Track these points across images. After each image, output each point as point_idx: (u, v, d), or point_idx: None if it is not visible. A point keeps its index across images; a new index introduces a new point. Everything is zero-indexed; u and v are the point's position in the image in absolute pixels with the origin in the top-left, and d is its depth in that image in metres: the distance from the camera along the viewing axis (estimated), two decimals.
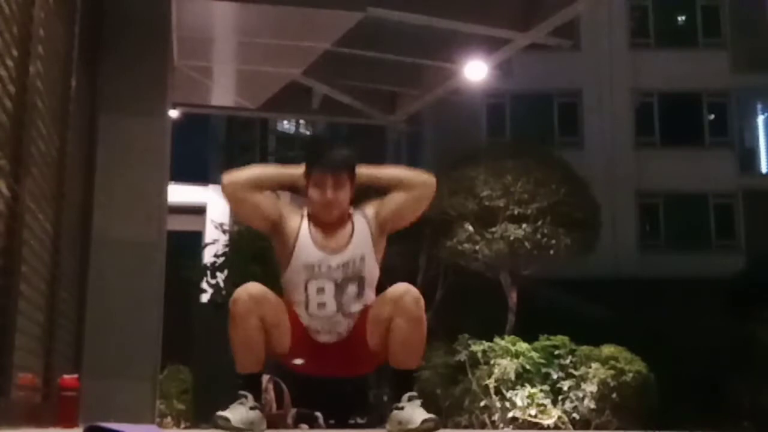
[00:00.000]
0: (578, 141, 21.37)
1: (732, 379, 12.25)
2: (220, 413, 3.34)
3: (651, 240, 21.53)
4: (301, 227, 3.46)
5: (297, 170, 3.50)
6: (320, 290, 3.41)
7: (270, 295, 3.43)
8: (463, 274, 12.32)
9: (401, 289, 3.38)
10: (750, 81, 21.38)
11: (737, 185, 21.44)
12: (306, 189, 3.46)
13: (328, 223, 3.46)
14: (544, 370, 10.22)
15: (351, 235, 3.46)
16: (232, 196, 3.49)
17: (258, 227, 3.63)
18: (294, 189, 3.55)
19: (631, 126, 21.78)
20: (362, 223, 3.49)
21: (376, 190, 3.59)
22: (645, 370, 10.22)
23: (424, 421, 3.33)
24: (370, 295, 3.49)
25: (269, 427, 3.62)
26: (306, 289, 3.42)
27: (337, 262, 3.42)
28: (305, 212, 3.50)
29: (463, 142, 16.20)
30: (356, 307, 3.45)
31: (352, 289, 3.43)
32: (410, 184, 3.51)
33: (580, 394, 9.98)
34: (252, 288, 3.41)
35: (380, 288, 3.53)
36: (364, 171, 3.51)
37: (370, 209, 3.53)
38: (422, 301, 3.38)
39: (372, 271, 3.49)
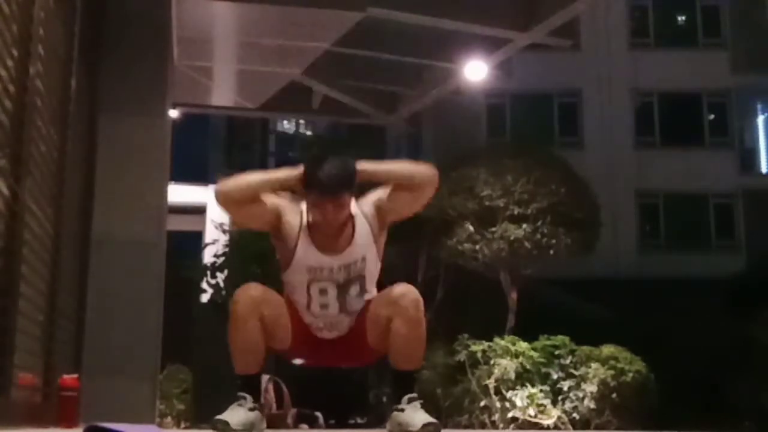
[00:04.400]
0: (578, 141, 21.35)
1: (732, 379, 12.24)
2: (219, 417, 3.32)
3: (651, 240, 21.52)
4: (301, 231, 3.41)
5: (292, 174, 3.38)
6: (323, 292, 3.41)
7: (270, 295, 3.43)
8: (463, 274, 12.31)
9: (400, 290, 3.37)
10: (750, 81, 21.36)
11: (737, 185, 21.42)
12: (303, 195, 3.38)
13: (328, 231, 3.41)
14: (544, 370, 10.21)
15: (352, 236, 3.42)
16: (227, 208, 3.46)
17: (257, 230, 3.64)
18: (291, 191, 3.48)
19: (631, 126, 21.77)
20: (363, 222, 3.44)
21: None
22: (645, 370, 10.22)
23: (425, 425, 3.31)
24: (371, 290, 3.49)
25: (269, 427, 3.62)
26: (308, 291, 3.42)
27: (339, 264, 3.39)
28: (304, 211, 3.43)
29: (463, 142, 16.19)
30: (358, 305, 3.46)
31: (354, 289, 3.43)
32: (413, 184, 3.44)
33: (580, 394, 9.98)
34: (252, 289, 3.41)
35: (380, 286, 3.53)
36: (365, 170, 3.38)
37: (370, 205, 3.46)
38: (421, 303, 3.37)
39: (373, 269, 3.48)
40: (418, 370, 3.53)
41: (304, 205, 3.43)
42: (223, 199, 3.40)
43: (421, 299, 3.37)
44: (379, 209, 3.46)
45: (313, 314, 3.45)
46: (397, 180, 3.45)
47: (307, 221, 3.42)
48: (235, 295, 3.38)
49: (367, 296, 3.47)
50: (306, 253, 3.40)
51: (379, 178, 3.48)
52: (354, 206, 3.44)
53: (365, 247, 3.43)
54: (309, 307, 3.44)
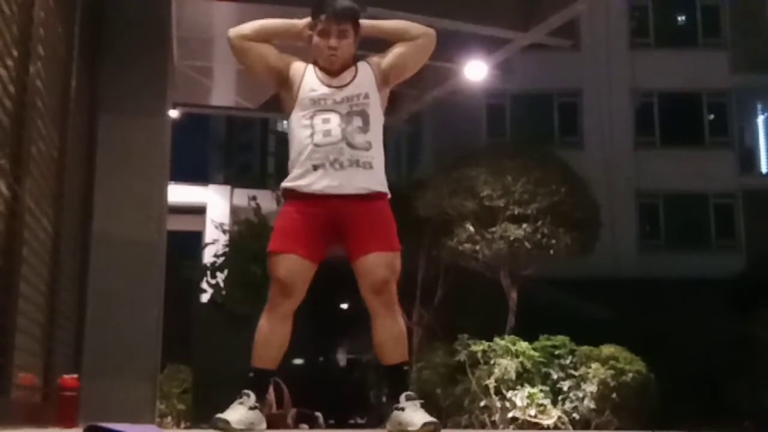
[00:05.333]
0: (578, 141, 21.35)
1: (732, 379, 12.25)
2: (219, 415, 3.32)
3: (651, 240, 21.52)
4: (306, 68, 3.58)
5: (301, 21, 3.62)
6: (326, 120, 3.48)
7: (296, 271, 3.43)
8: (463, 274, 12.31)
9: (379, 283, 3.43)
10: (750, 81, 21.36)
11: (737, 185, 21.42)
12: (311, 39, 3.56)
13: (332, 69, 3.56)
14: (544, 370, 10.21)
15: (355, 76, 3.57)
16: (238, 47, 3.60)
17: (264, 77, 3.69)
18: (299, 39, 3.63)
19: (631, 126, 21.76)
20: (366, 67, 3.61)
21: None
22: (645, 370, 10.22)
23: (425, 424, 3.32)
24: (375, 133, 3.54)
25: (269, 427, 3.61)
26: (312, 120, 3.49)
27: (342, 95, 3.51)
28: (310, 63, 3.61)
29: (463, 142, 16.19)
30: (361, 142, 3.48)
31: (356, 121, 3.50)
32: (411, 35, 3.64)
33: (580, 394, 9.98)
34: (284, 275, 3.42)
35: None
36: (367, 23, 3.64)
37: (373, 58, 3.66)
38: (395, 302, 3.46)
39: (376, 110, 3.57)
40: (407, 363, 3.55)
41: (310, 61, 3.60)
42: (237, 40, 3.59)
43: (395, 299, 3.46)
44: (381, 63, 3.63)
45: (317, 148, 3.45)
46: (394, 32, 3.68)
47: (313, 61, 3.58)
48: (277, 278, 3.41)
49: (370, 136, 3.50)
50: (310, 86, 3.53)
51: (377, 30, 3.69)
52: (358, 61, 3.62)
53: (368, 86, 3.57)
54: (313, 140, 3.46)
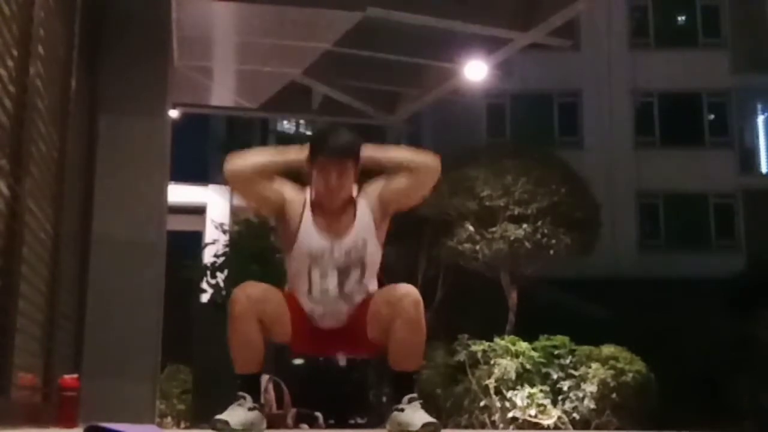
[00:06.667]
0: (578, 141, 21.37)
1: (732, 379, 12.24)
2: (219, 416, 3.32)
3: (651, 240, 21.53)
4: (304, 213, 3.45)
5: (300, 154, 3.47)
6: (323, 277, 3.42)
7: (269, 293, 3.44)
8: (463, 274, 12.32)
9: (401, 291, 3.38)
10: (750, 81, 21.37)
11: (737, 185, 21.43)
12: (309, 174, 3.44)
13: (331, 209, 3.46)
14: (544, 370, 10.22)
15: (353, 220, 3.46)
16: (236, 187, 3.55)
17: (263, 213, 3.67)
18: (298, 173, 3.53)
19: (631, 126, 21.78)
20: (365, 207, 3.48)
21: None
22: (645, 370, 10.23)
23: (425, 424, 3.30)
24: (372, 279, 3.50)
25: (269, 427, 3.61)
26: (309, 275, 3.43)
27: (340, 248, 3.42)
28: (308, 195, 3.49)
29: (463, 142, 16.19)
30: (358, 292, 3.45)
31: (354, 274, 3.44)
32: (414, 168, 3.49)
33: (580, 394, 9.99)
34: (250, 288, 3.42)
35: (380, 285, 3.55)
36: (367, 155, 3.47)
37: (373, 191, 3.51)
38: (422, 304, 3.37)
39: (374, 256, 3.50)
40: (417, 371, 3.53)
41: (307, 193, 3.49)
42: (234, 180, 3.49)
43: (420, 300, 3.37)
44: (381, 197, 3.50)
45: (314, 300, 3.45)
46: (396, 165, 3.51)
47: (311, 200, 3.46)
48: (233, 294, 3.40)
49: (366, 285, 3.47)
50: (308, 235, 3.43)
51: (381, 164, 3.53)
52: (356, 193, 3.50)
53: (366, 231, 3.46)
54: (310, 292, 3.44)
